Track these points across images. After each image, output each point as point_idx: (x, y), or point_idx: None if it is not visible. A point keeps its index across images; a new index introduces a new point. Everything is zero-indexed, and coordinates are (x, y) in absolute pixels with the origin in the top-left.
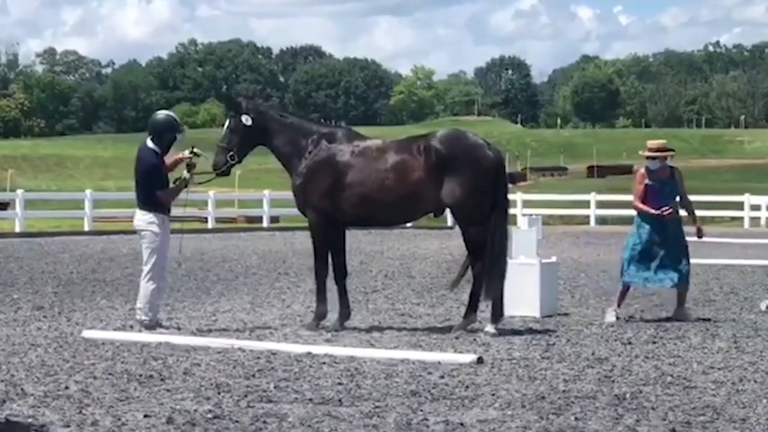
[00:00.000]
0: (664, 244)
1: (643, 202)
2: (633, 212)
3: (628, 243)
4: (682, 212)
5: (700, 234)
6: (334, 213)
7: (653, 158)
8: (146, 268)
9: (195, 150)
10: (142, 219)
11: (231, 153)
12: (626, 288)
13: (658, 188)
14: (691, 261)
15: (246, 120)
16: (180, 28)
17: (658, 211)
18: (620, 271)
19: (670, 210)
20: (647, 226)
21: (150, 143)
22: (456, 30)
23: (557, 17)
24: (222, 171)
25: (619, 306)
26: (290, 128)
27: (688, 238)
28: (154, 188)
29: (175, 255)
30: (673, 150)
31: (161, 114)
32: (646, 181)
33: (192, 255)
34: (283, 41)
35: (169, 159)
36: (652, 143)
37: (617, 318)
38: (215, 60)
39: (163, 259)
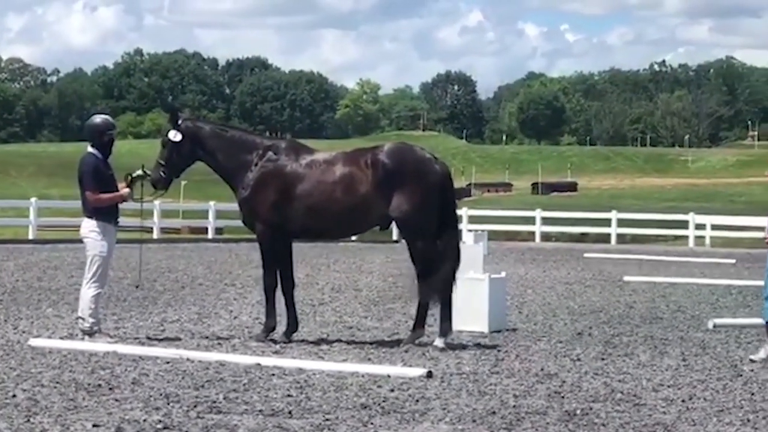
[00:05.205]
0: None
1: None
2: (579, 229)
3: (766, 281)
4: None
5: None
6: (282, 225)
7: None
8: (88, 275)
9: (145, 170)
10: (85, 226)
11: (163, 168)
12: None
13: None
14: (637, 279)
15: (174, 136)
16: (125, 37)
17: None
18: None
19: None
20: None
21: (90, 149)
22: (402, 44)
23: (504, 34)
24: (160, 187)
25: None
26: (231, 143)
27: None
28: (88, 189)
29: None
30: None
31: (96, 117)
32: None
33: (137, 265)
34: (229, 53)
35: (107, 196)
36: None
37: None
38: (161, 70)
39: (106, 267)
